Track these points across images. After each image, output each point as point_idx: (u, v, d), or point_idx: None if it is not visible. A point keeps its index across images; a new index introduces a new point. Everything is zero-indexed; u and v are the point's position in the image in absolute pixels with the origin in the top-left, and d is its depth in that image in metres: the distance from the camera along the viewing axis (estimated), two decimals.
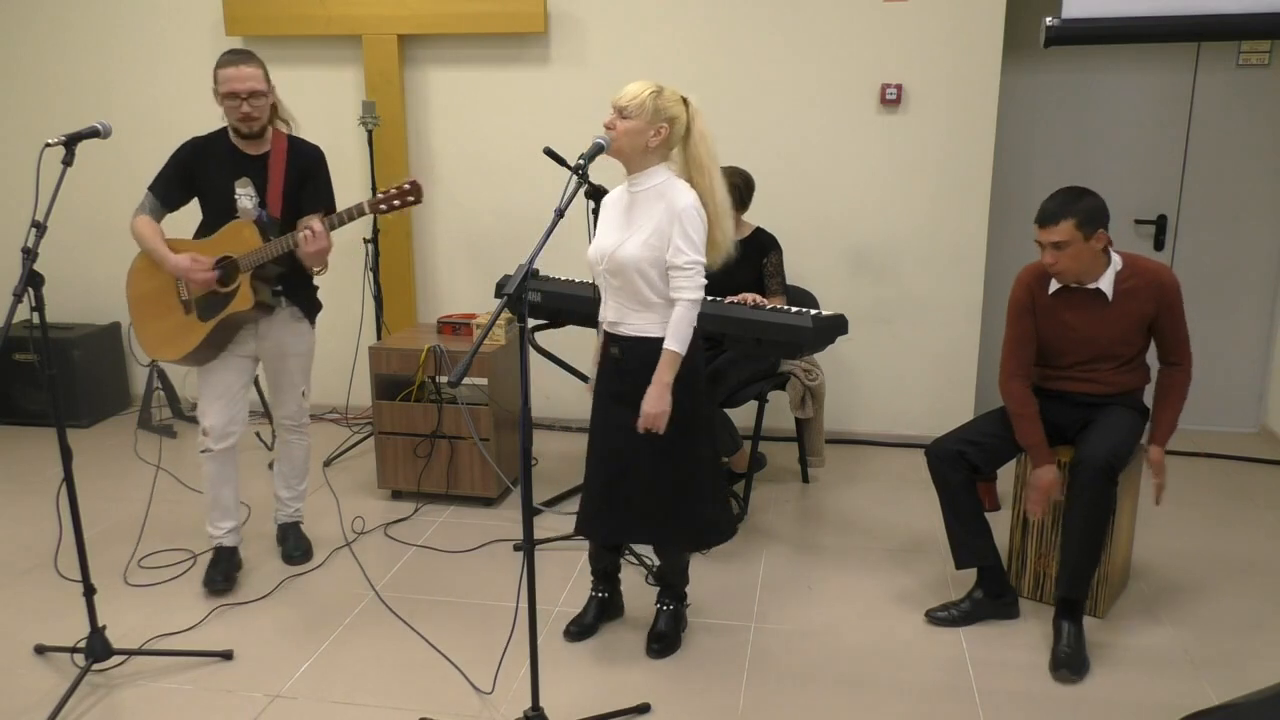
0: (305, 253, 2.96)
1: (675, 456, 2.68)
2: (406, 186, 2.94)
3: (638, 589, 3.22)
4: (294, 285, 3.21)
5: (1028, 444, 2.98)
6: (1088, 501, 2.80)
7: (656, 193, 2.60)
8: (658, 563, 2.99)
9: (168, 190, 3.13)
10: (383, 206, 2.94)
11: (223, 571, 3.27)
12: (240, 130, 3.05)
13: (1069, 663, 2.75)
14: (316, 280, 3.30)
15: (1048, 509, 2.99)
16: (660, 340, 2.58)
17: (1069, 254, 2.80)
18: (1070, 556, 2.84)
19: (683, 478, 2.71)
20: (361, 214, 2.94)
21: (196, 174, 3.12)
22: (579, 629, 2.97)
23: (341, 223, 2.96)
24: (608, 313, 2.69)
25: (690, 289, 2.56)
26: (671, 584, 2.95)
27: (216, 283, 3.07)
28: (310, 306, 3.33)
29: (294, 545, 3.50)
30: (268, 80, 3.05)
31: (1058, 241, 2.78)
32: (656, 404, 2.57)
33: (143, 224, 3.10)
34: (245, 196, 3.09)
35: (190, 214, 3.21)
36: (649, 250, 2.56)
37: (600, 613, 3.03)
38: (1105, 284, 2.88)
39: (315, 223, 2.93)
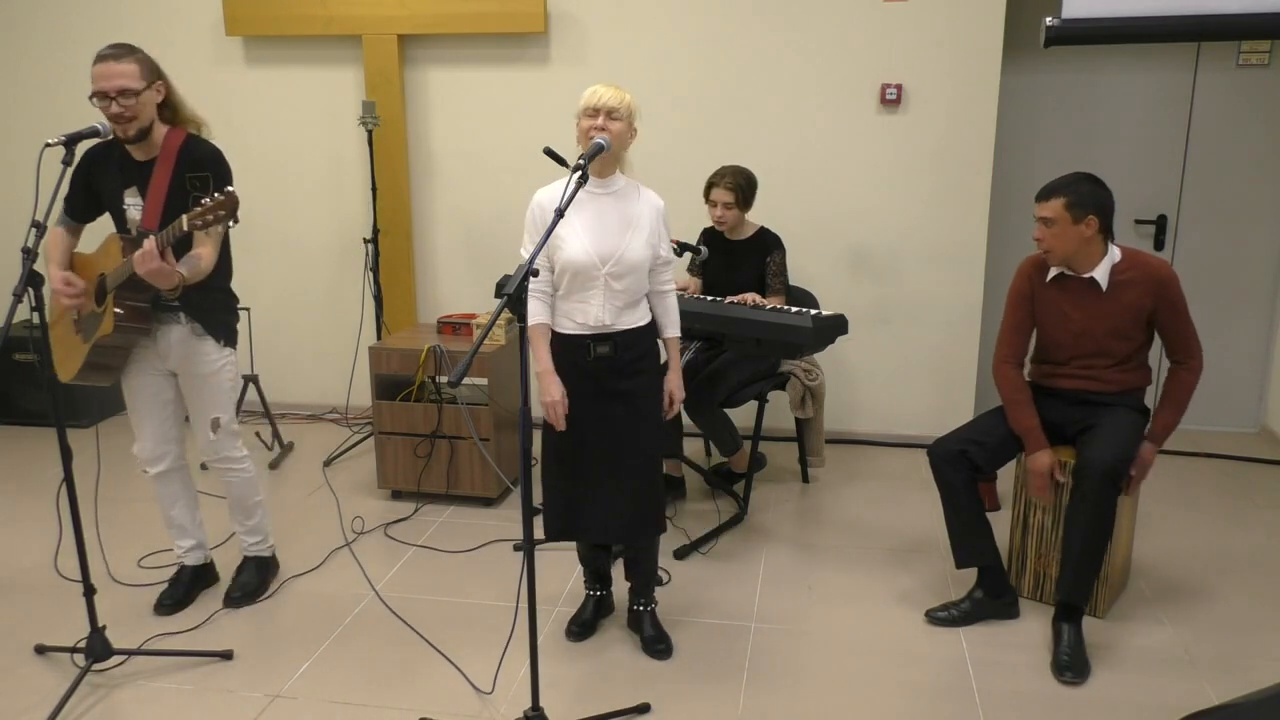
0: (140, 273, 2.59)
1: (655, 445, 2.81)
2: (221, 198, 2.53)
3: None
4: (193, 299, 2.88)
5: (1022, 428, 2.98)
6: (1091, 508, 2.80)
7: (632, 193, 2.70)
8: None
9: (71, 203, 2.93)
10: (198, 222, 2.54)
11: (175, 595, 3.14)
12: (115, 133, 2.73)
13: (1070, 666, 2.75)
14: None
15: (1052, 494, 2.99)
16: (644, 329, 2.73)
17: (1053, 232, 2.86)
18: (1072, 562, 2.84)
19: (656, 465, 2.82)
20: (182, 231, 2.57)
21: (94, 184, 2.89)
22: (580, 627, 2.98)
23: (168, 241, 2.59)
24: (604, 315, 2.65)
25: (672, 280, 2.83)
26: (649, 581, 2.95)
27: (94, 303, 2.85)
28: (214, 323, 2.96)
29: (238, 583, 3.21)
30: (150, 77, 2.73)
31: (1046, 217, 2.86)
32: (681, 388, 2.85)
33: (51, 236, 2.90)
34: (133, 207, 2.84)
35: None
36: (649, 249, 2.69)
37: (598, 610, 3.04)
38: (1100, 273, 2.89)
39: (148, 241, 2.57)
